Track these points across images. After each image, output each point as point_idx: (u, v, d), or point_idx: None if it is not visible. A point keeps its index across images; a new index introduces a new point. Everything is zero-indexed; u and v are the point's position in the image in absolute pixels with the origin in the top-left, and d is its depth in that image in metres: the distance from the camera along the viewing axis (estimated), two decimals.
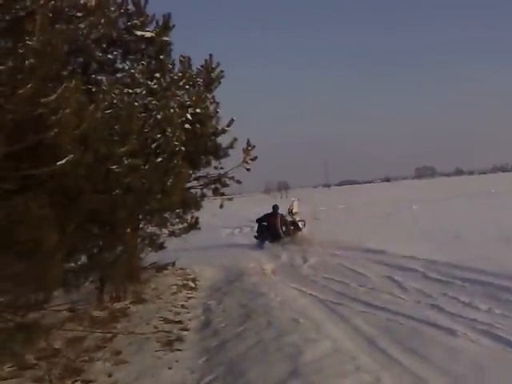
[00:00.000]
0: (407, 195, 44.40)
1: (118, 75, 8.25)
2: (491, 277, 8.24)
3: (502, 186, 45.35)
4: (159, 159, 6.14)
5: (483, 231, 14.06)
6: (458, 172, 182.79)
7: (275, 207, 17.12)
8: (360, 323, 6.57)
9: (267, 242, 16.26)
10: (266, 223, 16.80)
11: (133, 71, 7.94)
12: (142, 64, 8.43)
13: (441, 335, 5.75)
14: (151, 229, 9.32)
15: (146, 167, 5.79)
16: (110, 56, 8.22)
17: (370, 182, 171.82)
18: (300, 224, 17.13)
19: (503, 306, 6.71)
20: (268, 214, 17.08)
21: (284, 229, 16.69)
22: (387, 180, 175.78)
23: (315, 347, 5.49)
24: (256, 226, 17.30)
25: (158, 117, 6.63)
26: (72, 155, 4.09)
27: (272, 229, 16.51)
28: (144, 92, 7.63)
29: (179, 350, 6.24)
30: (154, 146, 6.44)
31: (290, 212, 17.37)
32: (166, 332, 6.94)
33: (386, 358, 5.22)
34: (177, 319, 7.68)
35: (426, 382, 4.53)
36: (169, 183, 6.24)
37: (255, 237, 16.87)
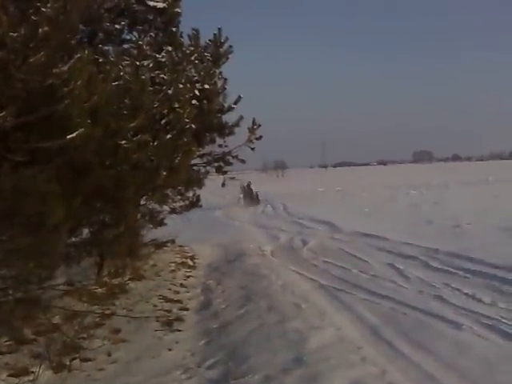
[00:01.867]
0: (404, 180, 44.43)
1: (125, 46, 8.00)
2: (494, 269, 8.19)
3: (498, 174, 45.37)
4: (168, 136, 5.97)
5: (483, 220, 14.05)
6: (455, 158, 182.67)
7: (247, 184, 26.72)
8: (363, 311, 6.50)
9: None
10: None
11: (140, 42, 7.69)
12: (150, 36, 8.17)
13: (446, 328, 5.67)
14: (152, 205, 9.19)
15: (155, 144, 5.62)
16: (117, 26, 7.95)
17: (366, 165, 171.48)
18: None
19: (507, 300, 6.64)
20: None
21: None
22: (383, 163, 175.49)
23: (319, 335, 5.39)
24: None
25: (169, 92, 6.43)
26: (82, 129, 3.92)
27: None
28: (151, 65, 7.40)
29: (179, 330, 6.15)
30: (163, 122, 6.27)
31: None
32: (165, 311, 6.86)
33: (392, 350, 5.14)
34: (176, 298, 7.59)
35: (432, 377, 4.44)
36: (176, 161, 6.08)
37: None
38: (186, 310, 7.03)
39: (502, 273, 7.90)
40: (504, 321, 5.80)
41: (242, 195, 26.62)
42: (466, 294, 7.07)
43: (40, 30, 3.44)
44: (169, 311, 6.85)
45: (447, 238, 11.49)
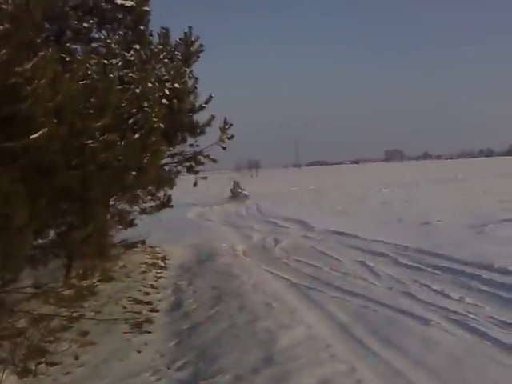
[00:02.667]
0: (376, 178, 44.97)
1: (94, 45, 7.91)
2: (463, 265, 8.30)
3: (466, 172, 46.33)
4: (136, 135, 5.90)
5: (453, 217, 14.26)
6: (426, 156, 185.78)
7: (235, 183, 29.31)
8: (334, 309, 6.53)
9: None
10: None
11: (109, 41, 7.60)
12: (119, 34, 8.08)
13: (415, 325, 5.73)
14: (122, 205, 9.08)
15: (123, 143, 5.55)
16: (85, 24, 7.85)
17: (339, 164, 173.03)
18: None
19: (475, 296, 6.76)
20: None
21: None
22: (356, 162, 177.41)
23: (289, 333, 5.41)
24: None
25: (137, 91, 6.35)
26: (46, 128, 3.84)
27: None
28: (120, 63, 7.31)
29: (148, 332, 6.09)
30: (131, 121, 6.19)
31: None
32: (135, 313, 6.78)
33: (361, 347, 5.17)
34: (146, 300, 7.51)
35: (401, 373, 4.48)
36: (145, 161, 6.01)
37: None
38: (156, 311, 6.96)
39: (470, 269, 8.01)
40: (471, 316, 5.89)
41: (239, 191, 29.19)
42: (434, 290, 7.16)
43: (1, 27, 3.36)
44: (138, 313, 6.78)
45: (417, 235, 11.63)
